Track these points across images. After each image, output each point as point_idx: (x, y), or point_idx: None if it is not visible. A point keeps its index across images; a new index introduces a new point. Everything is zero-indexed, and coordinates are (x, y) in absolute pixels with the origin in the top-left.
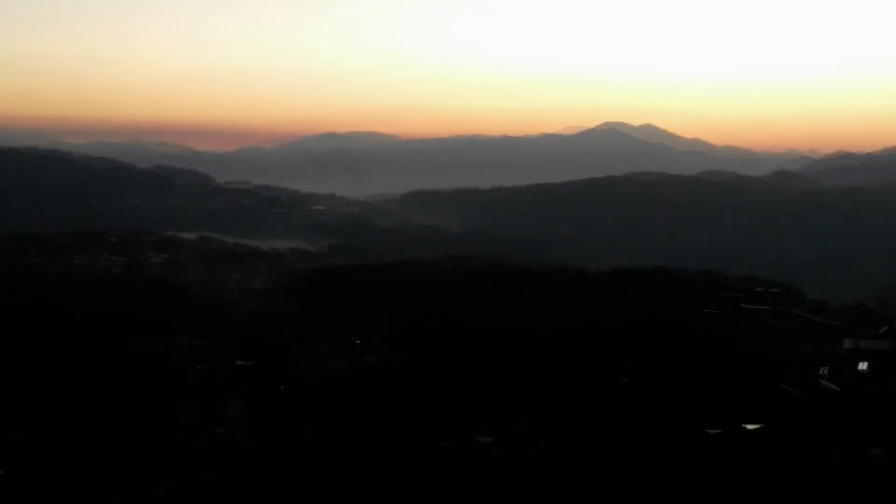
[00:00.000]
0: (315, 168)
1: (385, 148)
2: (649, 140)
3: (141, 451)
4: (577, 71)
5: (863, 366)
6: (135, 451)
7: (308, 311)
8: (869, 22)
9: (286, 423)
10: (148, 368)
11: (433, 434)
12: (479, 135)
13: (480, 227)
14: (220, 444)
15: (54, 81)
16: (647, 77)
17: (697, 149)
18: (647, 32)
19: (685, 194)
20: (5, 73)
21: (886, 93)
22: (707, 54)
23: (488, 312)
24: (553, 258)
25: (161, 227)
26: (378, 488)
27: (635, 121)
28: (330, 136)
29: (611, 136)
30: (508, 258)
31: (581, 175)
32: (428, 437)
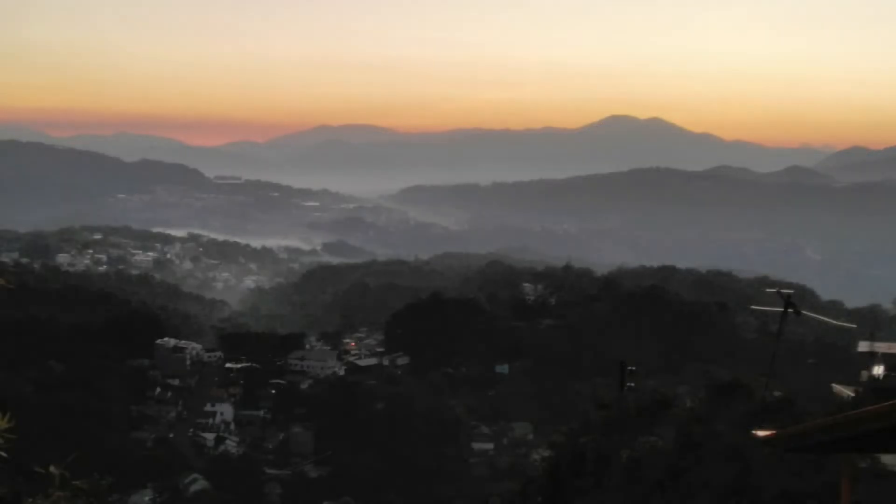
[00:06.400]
0: (308, 162)
1: (381, 142)
2: (656, 134)
3: (126, 456)
4: (581, 62)
5: (878, 370)
6: (120, 456)
7: (301, 311)
8: (887, 8)
9: (277, 426)
10: (133, 371)
11: (432, 438)
12: (480, 128)
13: (481, 223)
14: (208, 448)
15: (38, 72)
16: (654, 69)
17: (707, 143)
18: (655, 23)
19: (694, 190)
20: None
21: None
22: (717, 45)
23: (489, 313)
24: (556, 256)
25: (148, 224)
26: (375, 491)
27: (642, 114)
28: (324, 129)
29: (616, 130)
30: (510, 256)
31: (585, 170)
32: (427, 441)
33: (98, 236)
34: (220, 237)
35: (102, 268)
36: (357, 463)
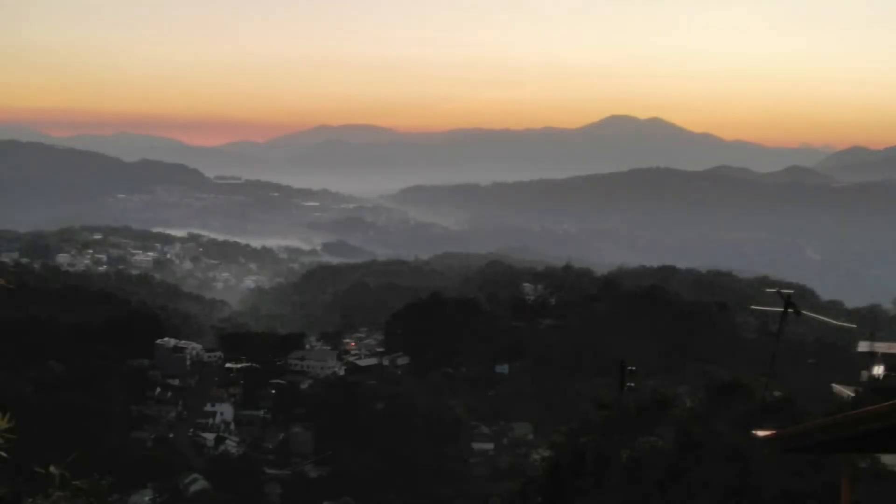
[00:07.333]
0: (308, 162)
1: (381, 142)
2: (656, 134)
3: (126, 456)
4: (581, 62)
5: (878, 370)
6: (120, 456)
7: (301, 311)
8: (887, 8)
9: (277, 426)
10: (133, 371)
11: (432, 438)
12: (480, 128)
13: (481, 223)
14: (208, 448)
15: (38, 72)
16: (654, 69)
17: (707, 143)
18: (655, 23)
19: (694, 190)
20: None
21: None
22: (717, 45)
23: (489, 313)
24: (556, 256)
25: (148, 224)
26: (375, 491)
27: (642, 114)
28: (324, 129)
29: (616, 130)
30: (510, 256)
31: (585, 170)
32: (427, 441)
33: (98, 236)
34: (220, 237)
35: (102, 268)
36: (357, 463)
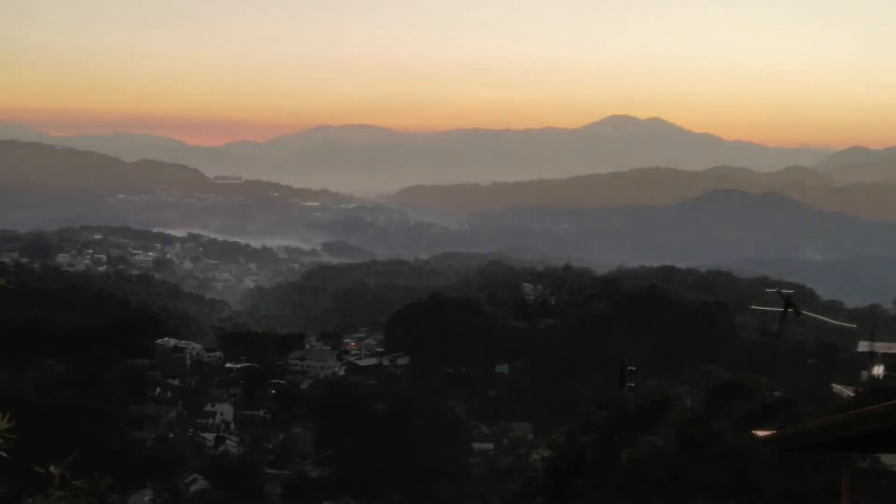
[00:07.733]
0: (308, 162)
1: (381, 141)
2: (656, 134)
3: (126, 456)
4: (581, 62)
5: (878, 370)
6: (120, 457)
7: (301, 311)
8: (888, 8)
9: (277, 426)
10: (133, 371)
11: (432, 438)
12: (480, 128)
13: (481, 223)
14: (208, 448)
15: (38, 72)
16: (654, 69)
17: (707, 143)
18: (655, 23)
19: (693, 190)
20: None
21: None
22: (717, 44)
23: (489, 313)
24: (556, 256)
25: (148, 224)
26: (375, 491)
27: (642, 114)
28: (324, 129)
29: (616, 130)
30: (510, 256)
31: (585, 170)
32: (427, 441)
33: (98, 236)
34: (220, 237)
35: (102, 268)
36: (357, 463)
